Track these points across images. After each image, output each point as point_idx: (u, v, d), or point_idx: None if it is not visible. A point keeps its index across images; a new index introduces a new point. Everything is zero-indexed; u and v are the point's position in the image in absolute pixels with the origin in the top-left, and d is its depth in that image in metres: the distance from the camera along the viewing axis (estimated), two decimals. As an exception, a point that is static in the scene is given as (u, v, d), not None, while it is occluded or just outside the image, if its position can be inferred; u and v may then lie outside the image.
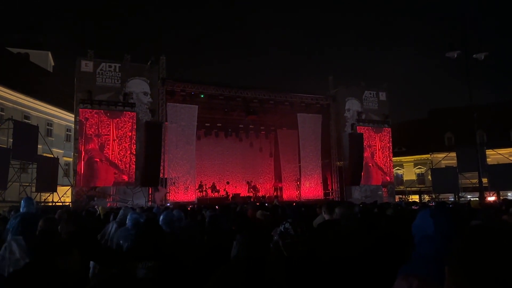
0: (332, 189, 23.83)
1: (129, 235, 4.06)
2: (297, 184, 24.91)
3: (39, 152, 19.32)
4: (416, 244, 1.96)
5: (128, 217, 4.46)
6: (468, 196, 23.25)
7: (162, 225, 3.86)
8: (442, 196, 25.66)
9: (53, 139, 27.56)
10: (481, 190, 15.96)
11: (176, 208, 5.44)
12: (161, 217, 4.21)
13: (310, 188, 23.28)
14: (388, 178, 24.00)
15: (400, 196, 27.70)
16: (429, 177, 29.66)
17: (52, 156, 20.07)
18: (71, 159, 24.07)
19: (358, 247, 2.92)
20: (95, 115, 17.61)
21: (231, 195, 23.71)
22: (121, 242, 4.11)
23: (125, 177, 17.90)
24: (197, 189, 22.05)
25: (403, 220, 4.00)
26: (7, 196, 16.81)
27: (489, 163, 23.82)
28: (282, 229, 2.67)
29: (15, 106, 24.74)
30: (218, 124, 25.26)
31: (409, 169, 36.81)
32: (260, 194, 25.62)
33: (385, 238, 3.27)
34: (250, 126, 26.04)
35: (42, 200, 19.28)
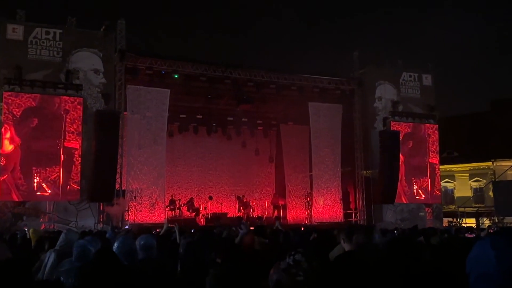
0: (355, 208, 23.90)
1: (74, 269, 4.07)
2: (307, 201, 24.96)
3: None
4: (471, 285, 1.99)
5: (75, 245, 4.46)
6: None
7: (118, 256, 3.88)
8: (507, 220, 25.78)
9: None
10: None
11: (142, 234, 5.45)
12: (116, 245, 4.23)
13: (325, 207, 23.34)
14: (433, 194, 24.12)
15: (450, 219, 27.78)
16: (490, 193, 29.73)
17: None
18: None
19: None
20: (26, 101, 17.55)
21: (214, 215, 23.71)
22: (61, 279, 4.12)
23: (67, 188, 17.87)
24: (167, 206, 22.03)
25: (453, 253, 4.04)
26: None
27: None
28: (291, 262, 2.68)
29: None
30: (198, 116, 25.23)
31: (462, 182, 36.92)
32: (255, 214, 25.63)
33: (428, 278, 3.31)
34: (243, 119, 25.99)
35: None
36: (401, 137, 22.82)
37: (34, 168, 17.49)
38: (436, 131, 24.49)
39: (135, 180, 19.90)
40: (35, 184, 17.43)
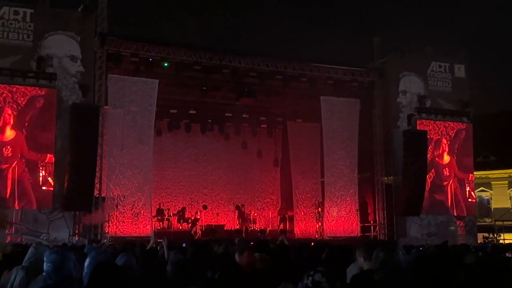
0: (374, 221, 23.88)
1: (50, 287, 4.05)
2: (318, 212, 24.92)
3: None
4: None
5: (45, 258, 4.44)
6: None
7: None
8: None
9: None
10: None
11: (123, 251, 5.45)
12: (88, 261, 4.20)
13: (340, 218, 23.32)
14: (466, 206, 24.10)
15: (486, 234, 27.75)
16: (534, 204, 29.65)
17: None
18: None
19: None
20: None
21: (209, 228, 23.72)
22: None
23: (36, 195, 17.90)
24: (154, 216, 22.04)
25: (491, 275, 4.01)
26: None
27: None
28: (310, 283, 2.69)
29: None
30: (191, 111, 25.25)
31: (501, 190, 36.87)
32: (256, 226, 25.63)
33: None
34: (244, 115, 26.03)
35: None
36: (428, 138, 22.81)
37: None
38: (470, 132, 24.44)
39: (116, 185, 19.90)
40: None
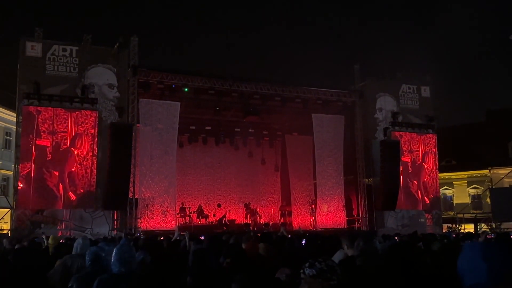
0: (358, 215, 23.80)
1: (89, 275, 4.05)
2: (312, 208, 24.88)
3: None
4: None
5: (87, 251, 4.46)
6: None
7: (115, 264, 3.82)
8: (505, 225, 25.55)
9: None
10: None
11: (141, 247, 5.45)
12: (114, 252, 4.20)
13: (329, 213, 23.27)
14: (433, 201, 23.98)
15: (449, 225, 27.59)
16: (488, 199, 29.52)
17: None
18: (11, 173, 24.09)
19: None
20: (45, 113, 17.68)
21: (223, 222, 23.68)
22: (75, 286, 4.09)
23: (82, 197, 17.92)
24: (178, 214, 22.04)
25: (453, 259, 4.01)
26: None
27: None
28: (325, 267, 2.69)
29: None
30: (207, 127, 25.32)
31: (461, 189, 36.70)
32: (262, 220, 25.60)
33: (427, 282, 3.28)
34: (250, 130, 26.09)
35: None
36: (401, 147, 22.76)
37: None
38: (435, 141, 24.37)
39: (147, 188, 19.94)
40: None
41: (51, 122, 17.74)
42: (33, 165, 17.39)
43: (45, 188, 17.47)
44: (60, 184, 17.70)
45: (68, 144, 18.00)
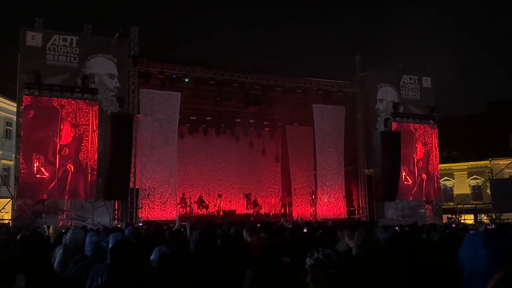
0: (358, 205, 23.84)
1: (89, 264, 4.07)
2: (312, 199, 24.92)
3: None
4: (465, 280, 1.97)
5: (87, 239, 4.47)
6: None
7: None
8: (505, 216, 25.62)
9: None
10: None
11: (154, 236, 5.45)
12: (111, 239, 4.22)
13: (329, 204, 23.31)
14: (433, 192, 24.01)
15: (449, 215, 27.66)
16: (488, 190, 29.55)
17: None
18: (11, 163, 24.11)
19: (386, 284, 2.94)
20: (45, 104, 17.65)
21: (223, 213, 23.73)
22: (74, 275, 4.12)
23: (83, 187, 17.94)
24: (178, 204, 22.08)
25: (454, 249, 4.01)
26: None
27: None
28: (321, 256, 2.71)
29: None
30: (207, 118, 25.29)
31: (461, 180, 36.74)
32: (262, 211, 25.64)
33: (428, 274, 3.28)
34: (250, 120, 26.03)
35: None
36: (402, 137, 22.72)
37: (34, 154, 17.49)
38: (435, 132, 24.34)
39: (148, 179, 19.96)
40: (35, 168, 17.44)
41: (45, 119, 17.60)
42: (33, 155, 17.39)
43: (46, 178, 17.48)
44: (62, 174, 17.71)
45: (69, 134, 17.98)
